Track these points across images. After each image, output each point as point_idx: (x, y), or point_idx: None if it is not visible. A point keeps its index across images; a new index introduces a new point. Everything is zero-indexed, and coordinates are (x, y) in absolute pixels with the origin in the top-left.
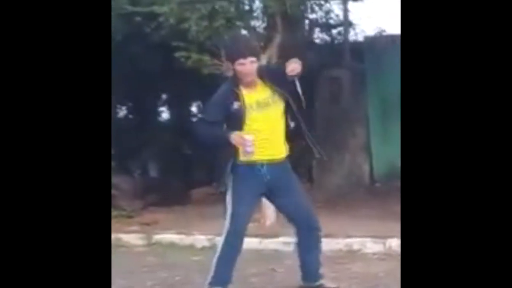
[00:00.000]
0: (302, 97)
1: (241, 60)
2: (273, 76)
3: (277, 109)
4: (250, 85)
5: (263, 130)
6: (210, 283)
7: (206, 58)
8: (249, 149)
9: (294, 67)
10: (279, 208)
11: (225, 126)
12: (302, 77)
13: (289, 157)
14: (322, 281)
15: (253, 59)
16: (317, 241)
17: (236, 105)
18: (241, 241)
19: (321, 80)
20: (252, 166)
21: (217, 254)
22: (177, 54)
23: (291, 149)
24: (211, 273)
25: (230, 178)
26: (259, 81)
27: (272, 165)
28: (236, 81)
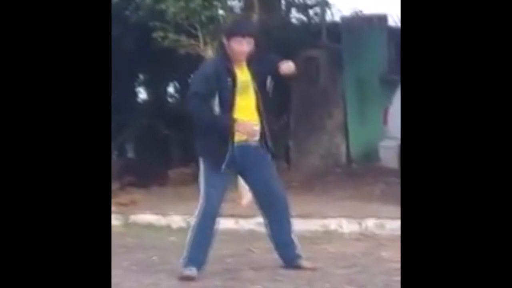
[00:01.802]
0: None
1: (239, 38)
2: (258, 62)
3: (252, 93)
4: (238, 64)
5: (243, 111)
6: (184, 264)
7: (183, 38)
8: (256, 139)
9: (289, 66)
10: (251, 189)
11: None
12: (280, 57)
13: (264, 138)
14: (299, 261)
15: (251, 40)
16: (288, 221)
17: (229, 80)
18: (214, 222)
19: (298, 60)
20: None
21: (190, 235)
22: (155, 35)
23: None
24: (185, 254)
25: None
26: (244, 63)
27: (245, 146)
28: (227, 57)
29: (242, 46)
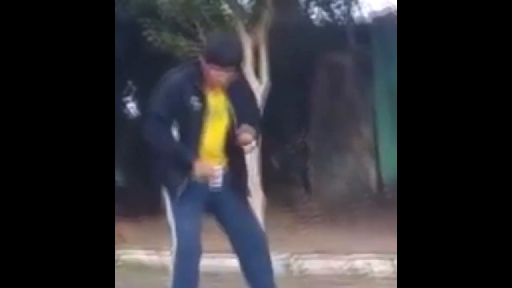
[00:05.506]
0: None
1: (219, 70)
2: (237, 94)
3: (224, 122)
4: (214, 87)
5: (210, 143)
6: None
7: (181, 39)
8: (218, 182)
9: (246, 138)
10: (221, 225)
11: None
12: (297, 63)
13: (281, 158)
14: None
15: (232, 69)
16: (267, 262)
17: (196, 102)
18: (196, 258)
19: (319, 67)
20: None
21: (173, 278)
22: (145, 34)
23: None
24: None
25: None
26: (220, 88)
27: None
28: (199, 75)
29: (221, 77)
